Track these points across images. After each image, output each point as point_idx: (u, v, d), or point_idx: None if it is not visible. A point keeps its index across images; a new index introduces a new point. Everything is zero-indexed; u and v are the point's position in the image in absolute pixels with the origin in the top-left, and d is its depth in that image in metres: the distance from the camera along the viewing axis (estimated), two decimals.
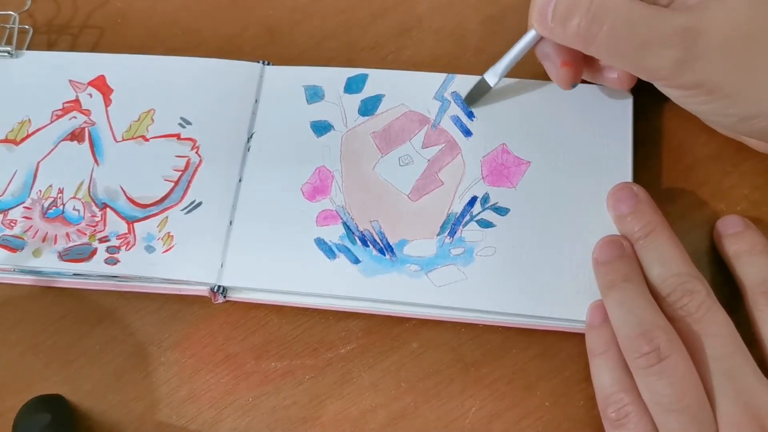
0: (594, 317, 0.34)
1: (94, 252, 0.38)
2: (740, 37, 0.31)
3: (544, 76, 0.38)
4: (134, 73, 0.43)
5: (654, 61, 0.32)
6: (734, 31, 0.31)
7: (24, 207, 0.40)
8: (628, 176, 0.37)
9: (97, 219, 0.39)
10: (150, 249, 0.38)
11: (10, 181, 0.41)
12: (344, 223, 0.38)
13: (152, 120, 0.41)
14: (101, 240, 0.39)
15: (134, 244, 0.38)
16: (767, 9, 0.31)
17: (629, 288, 0.33)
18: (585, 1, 0.32)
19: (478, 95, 0.39)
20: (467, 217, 0.38)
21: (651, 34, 0.31)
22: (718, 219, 0.36)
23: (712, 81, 0.32)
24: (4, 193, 0.40)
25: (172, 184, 0.40)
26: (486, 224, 0.37)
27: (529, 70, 0.39)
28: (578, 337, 0.35)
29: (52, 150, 0.41)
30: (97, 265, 0.38)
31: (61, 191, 0.40)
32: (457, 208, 0.38)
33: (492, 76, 0.38)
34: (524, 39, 0.36)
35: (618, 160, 0.37)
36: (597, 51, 0.33)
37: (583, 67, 0.36)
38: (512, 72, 0.38)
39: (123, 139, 0.41)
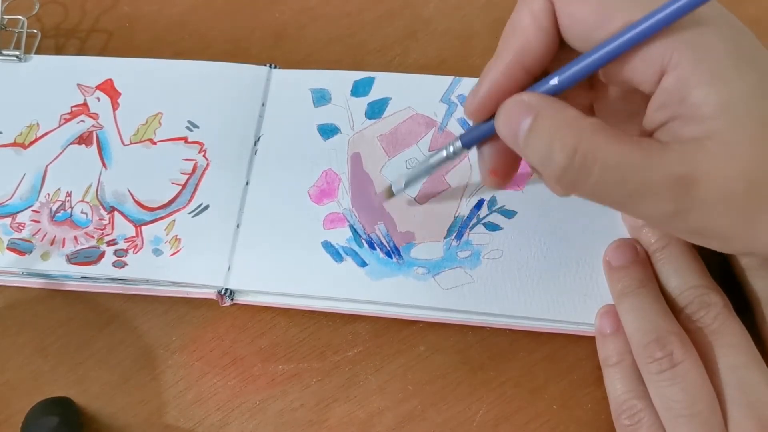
0: (604, 325, 0.34)
1: (101, 255, 0.39)
2: (742, 184, 0.25)
3: None
4: (142, 77, 0.43)
5: (646, 211, 0.27)
6: (735, 178, 0.25)
7: (32, 210, 0.40)
8: None
9: (104, 222, 0.39)
10: (157, 252, 0.38)
11: (19, 185, 0.41)
12: (351, 226, 0.38)
13: (160, 123, 0.42)
14: (109, 243, 0.39)
15: (142, 247, 0.38)
16: None
17: (643, 294, 0.33)
18: (570, 137, 0.26)
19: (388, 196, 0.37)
20: (474, 220, 0.37)
21: (642, 186, 0.26)
22: None
23: (708, 229, 0.27)
24: (12, 196, 0.41)
25: (180, 187, 0.40)
26: (493, 227, 0.37)
27: None
28: (586, 340, 0.35)
29: (60, 153, 0.41)
30: (104, 268, 0.38)
31: (69, 195, 0.40)
32: (464, 210, 0.38)
33: (397, 186, 0.36)
34: (441, 154, 0.32)
35: None
36: (581, 196, 0.28)
37: (514, 175, 0.32)
38: None
39: (130, 143, 0.41)
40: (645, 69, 0.26)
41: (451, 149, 0.32)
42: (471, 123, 0.31)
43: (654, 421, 0.31)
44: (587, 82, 0.30)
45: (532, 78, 0.28)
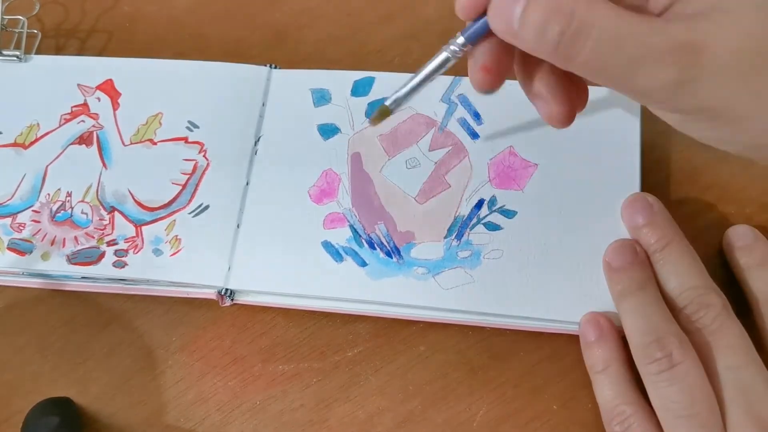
0: (588, 333, 0.34)
1: (102, 255, 0.39)
2: (751, 52, 0.25)
3: None
4: (142, 77, 0.43)
5: (646, 83, 0.26)
6: (743, 46, 0.25)
7: (33, 210, 0.40)
8: (636, 179, 0.37)
9: (105, 222, 0.39)
10: (158, 252, 0.38)
11: (19, 185, 0.41)
12: (351, 226, 0.38)
13: (160, 123, 0.42)
14: (109, 243, 0.39)
15: (142, 248, 0.38)
16: None
17: (643, 295, 0.33)
18: (566, 10, 0.25)
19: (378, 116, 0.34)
20: (474, 220, 0.37)
21: (642, 50, 0.25)
22: (728, 225, 0.36)
23: (716, 105, 0.26)
24: (12, 196, 0.41)
25: (180, 187, 0.40)
26: (493, 227, 0.37)
27: None
28: None
29: (61, 154, 0.41)
30: (105, 268, 0.38)
31: (69, 195, 0.40)
32: (464, 210, 0.38)
33: (393, 102, 0.33)
34: (437, 58, 0.31)
35: (626, 162, 0.37)
36: (578, 69, 0.27)
37: (505, 77, 0.31)
38: None
39: (131, 143, 0.41)
40: None
41: (452, 47, 0.30)
42: (465, 21, 0.29)
43: (645, 426, 0.31)
44: None
45: None
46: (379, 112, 0.33)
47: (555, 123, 0.31)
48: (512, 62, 0.30)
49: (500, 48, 0.29)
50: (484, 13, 0.28)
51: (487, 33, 0.29)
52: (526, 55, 0.28)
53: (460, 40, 0.30)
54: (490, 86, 0.30)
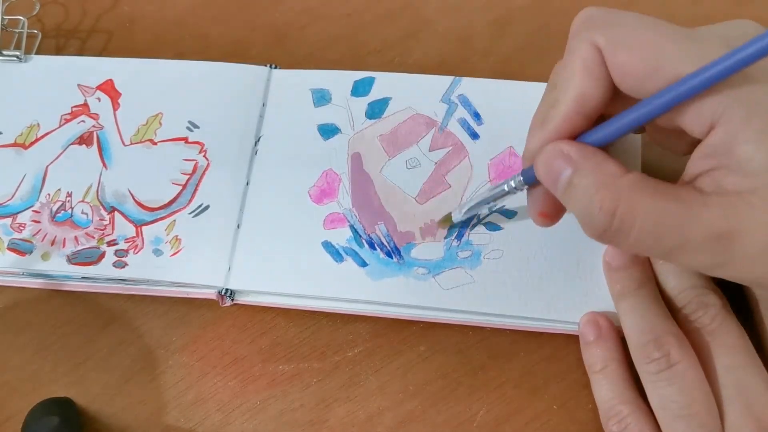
0: (587, 333, 0.34)
1: (102, 255, 0.39)
2: None
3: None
4: (142, 77, 0.43)
5: (684, 262, 0.27)
6: None
7: (33, 211, 0.40)
8: None
9: (105, 222, 0.39)
10: (158, 252, 0.38)
11: (19, 185, 0.41)
12: (351, 226, 0.38)
13: (160, 124, 0.42)
14: (109, 243, 0.39)
15: (142, 248, 0.38)
16: None
17: (642, 295, 0.33)
18: (609, 198, 0.26)
19: (443, 222, 0.38)
20: (474, 220, 0.37)
21: (680, 241, 0.26)
22: None
23: (749, 279, 0.28)
24: (13, 197, 0.41)
25: (180, 187, 0.40)
26: (493, 227, 0.37)
27: (537, 72, 0.39)
28: None
29: (61, 154, 0.41)
30: (105, 268, 0.38)
31: (69, 195, 0.40)
32: None
33: (458, 214, 0.36)
34: (502, 187, 0.33)
35: (627, 161, 0.37)
36: (619, 249, 0.30)
37: (562, 215, 0.33)
38: (518, 74, 0.38)
39: (131, 143, 0.41)
40: (694, 121, 0.26)
41: (512, 183, 0.32)
42: (526, 163, 0.31)
43: (642, 425, 0.31)
44: None
45: (591, 123, 0.28)
46: (444, 219, 0.37)
47: (541, 226, 0.33)
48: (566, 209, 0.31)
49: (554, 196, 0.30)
50: None
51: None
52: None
53: (520, 179, 0.31)
54: (547, 225, 0.33)
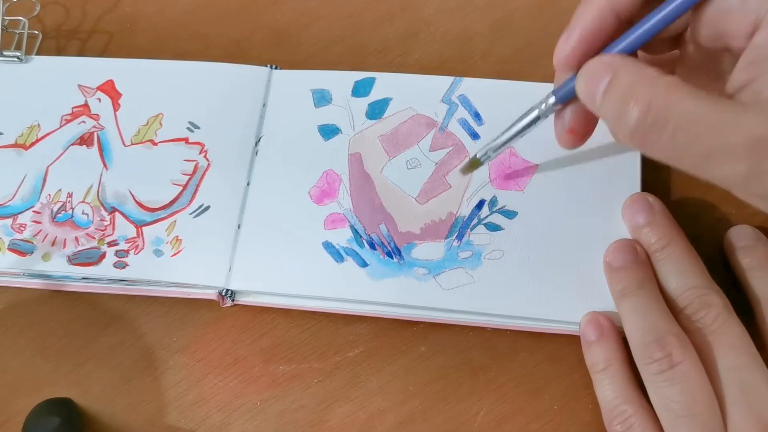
0: (588, 333, 0.34)
1: (102, 256, 0.39)
2: None
3: (552, 79, 0.38)
4: (143, 78, 0.43)
5: (720, 172, 0.26)
6: None
7: (33, 211, 0.40)
8: (637, 179, 0.37)
9: (105, 223, 0.39)
10: (158, 253, 0.38)
11: (20, 186, 0.41)
12: (352, 227, 0.38)
13: (160, 124, 0.42)
14: (110, 244, 0.39)
15: (143, 248, 0.38)
16: None
17: (643, 295, 0.33)
18: (645, 93, 0.26)
19: (469, 167, 0.37)
20: (475, 221, 0.37)
21: (717, 143, 0.25)
22: (729, 226, 0.36)
23: None
24: (13, 197, 0.41)
25: (181, 188, 0.40)
26: (494, 227, 0.37)
27: (537, 72, 0.39)
28: None
29: (62, 154, 0.41)
30: (105, 268, 0.38)
31: (70, 195, 0.40)
32: (465, 211, 0.38)
33: (484, 154, 0.36)
34: (532, 113, 0.33)
35: (626, 162, 0.37)
36: (653, 155, 0.27)
37: (588, 137, 0.33)
38: (519, 75, 0.38)
39: (131, 144, 0.41)
40: (738, 21, 0.25)
41: (543, 106, 0.32)
42: (557, 71, 0.31)
43: (645, 425, 0.31)
44: (671, 42, 0.30)
45: (622, 24, 0.28)
46: (470, 164, 0.36)
47: (559, 142, 0.33)
48: (596, 121, 0.31)
49: (588, 112, 0.29)
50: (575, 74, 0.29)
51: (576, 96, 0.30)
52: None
53: (552, 99, 0.31)
54: (574, 146, 0.33)
